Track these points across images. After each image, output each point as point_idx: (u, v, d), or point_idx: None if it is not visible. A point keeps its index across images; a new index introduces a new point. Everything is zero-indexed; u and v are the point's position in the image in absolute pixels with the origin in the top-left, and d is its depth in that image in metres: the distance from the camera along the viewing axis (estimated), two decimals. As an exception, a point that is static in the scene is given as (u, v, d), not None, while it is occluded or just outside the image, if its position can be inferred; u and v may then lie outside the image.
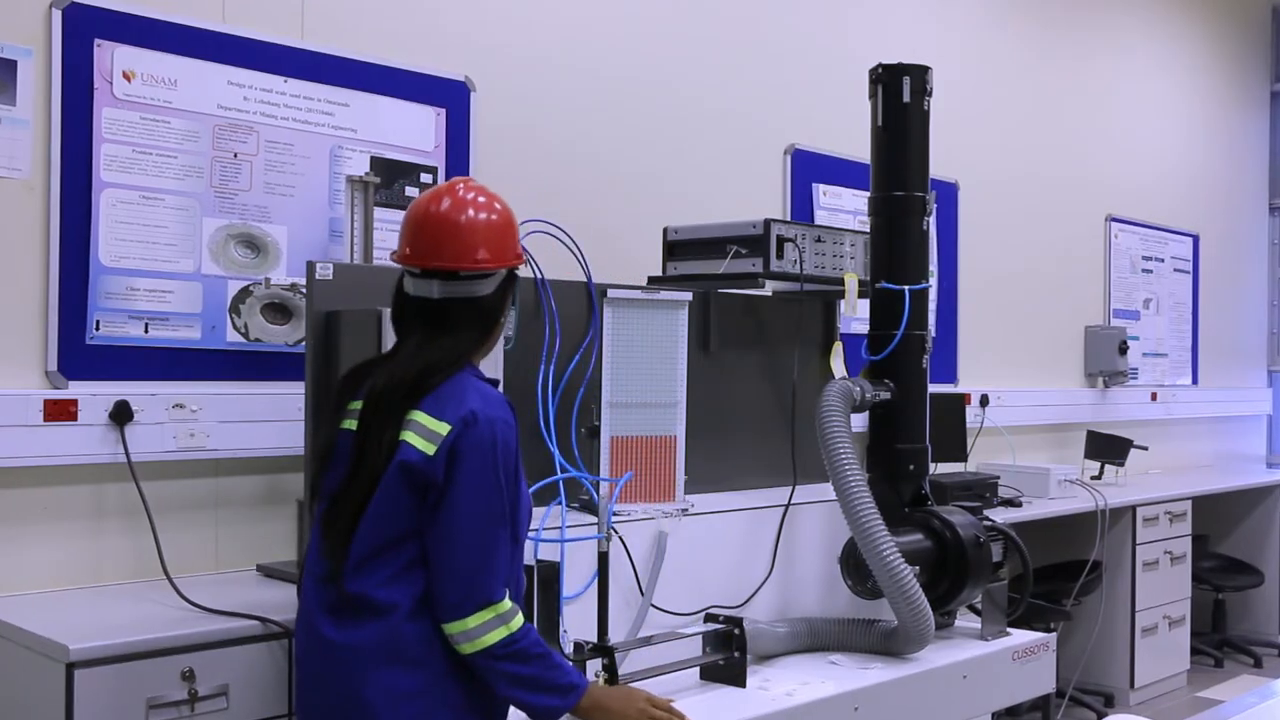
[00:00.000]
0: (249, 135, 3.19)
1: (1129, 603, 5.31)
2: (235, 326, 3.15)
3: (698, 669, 2.80)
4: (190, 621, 2.53)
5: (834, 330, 3.70)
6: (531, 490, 2.33)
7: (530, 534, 2.42)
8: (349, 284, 2.74)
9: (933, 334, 3.52)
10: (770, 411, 3.50)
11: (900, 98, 3.34)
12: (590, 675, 2.39)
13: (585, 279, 3.05)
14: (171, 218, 3.06)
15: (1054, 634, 3.51)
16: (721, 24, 4.45)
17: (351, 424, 2.20)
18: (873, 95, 3.40)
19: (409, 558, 2.14)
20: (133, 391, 2.95)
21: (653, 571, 2.91)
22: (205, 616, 2.56)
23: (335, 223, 3.34)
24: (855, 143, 3.93)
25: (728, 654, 2.78)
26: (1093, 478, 5.72)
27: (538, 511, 2.59)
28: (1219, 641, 6.29)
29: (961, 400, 5.23)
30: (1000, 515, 4.07)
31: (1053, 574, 5.11)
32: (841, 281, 3.48)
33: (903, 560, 2.94)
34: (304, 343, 2.84)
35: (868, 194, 3.41)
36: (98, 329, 2.94)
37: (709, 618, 2.83)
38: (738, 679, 2.77)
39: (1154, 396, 6.68)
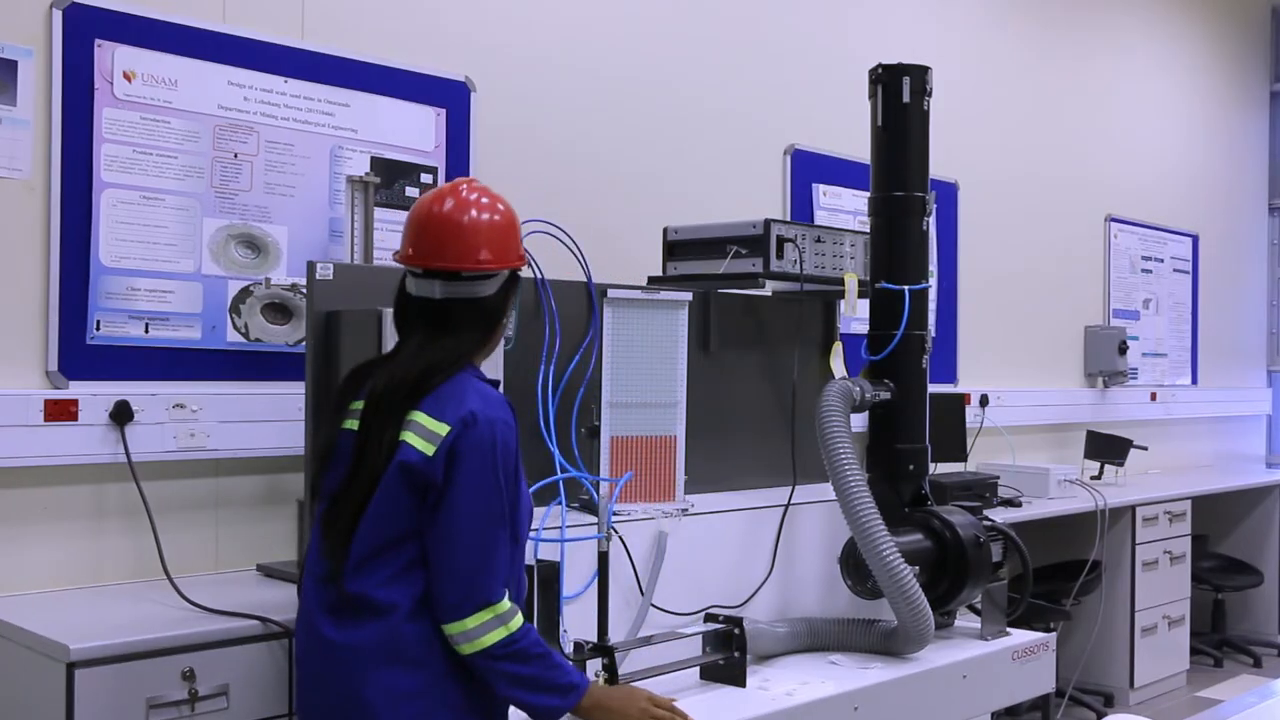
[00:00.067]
0: (249, 135, 3.19)
1: (1128, 603, 5.31)
2: (235, 326, 3.15)
3: (698, 669, 2.80)
4: (190, 621, 2.53)
5: (834, 330, 3.70)
6: (532, 490, 2.33)
7: (530, 534, 2.42)
8: (349, 284, 2.74)
9: (932, 334, 3.52)
10: (770, 411, 3.51)
11: (900, 98, 3.34)
12: (590, 675, 2.39)
13: (585, 279, 3.05)
14: (172, 218, 3.06)
15: (1054, 634, 3.51)
16: (721, 24, 4.45)
17: (353, 424, 2.20)
18: (872, 95, 3.40)
19: (409, 558, 2.14)
20: (133, 391, 2.96)
21: (653, 571, 2.91)
22: (205, 616, 2.57)
23: (335, 223, 3.34)
24: (855, 143, 3.94)
25: (728, 654, 2.79)
26: (1092, 478, 5.73)
27: (538, 511, 2.59)
28: (1218, 641, 6.29)
29: (961, 400, 5.23)
30: (1000, 515, 4.07)
31: (1052, 574, 5.11)
32: (841, 281, 3.49)
33: (902, 560, 2.94)
34: (304, 343, 2.84)
35: (868, 194, 3.42)
36: (98, 329, 2.94)
37: (709, 618, 2.83)
38: (738, 679, 2.77)
39: (1153, 396, 6.69)
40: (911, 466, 3.32)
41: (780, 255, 3.37)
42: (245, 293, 3.17)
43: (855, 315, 3.57)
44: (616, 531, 2.79)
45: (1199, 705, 5.13)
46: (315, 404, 2.66)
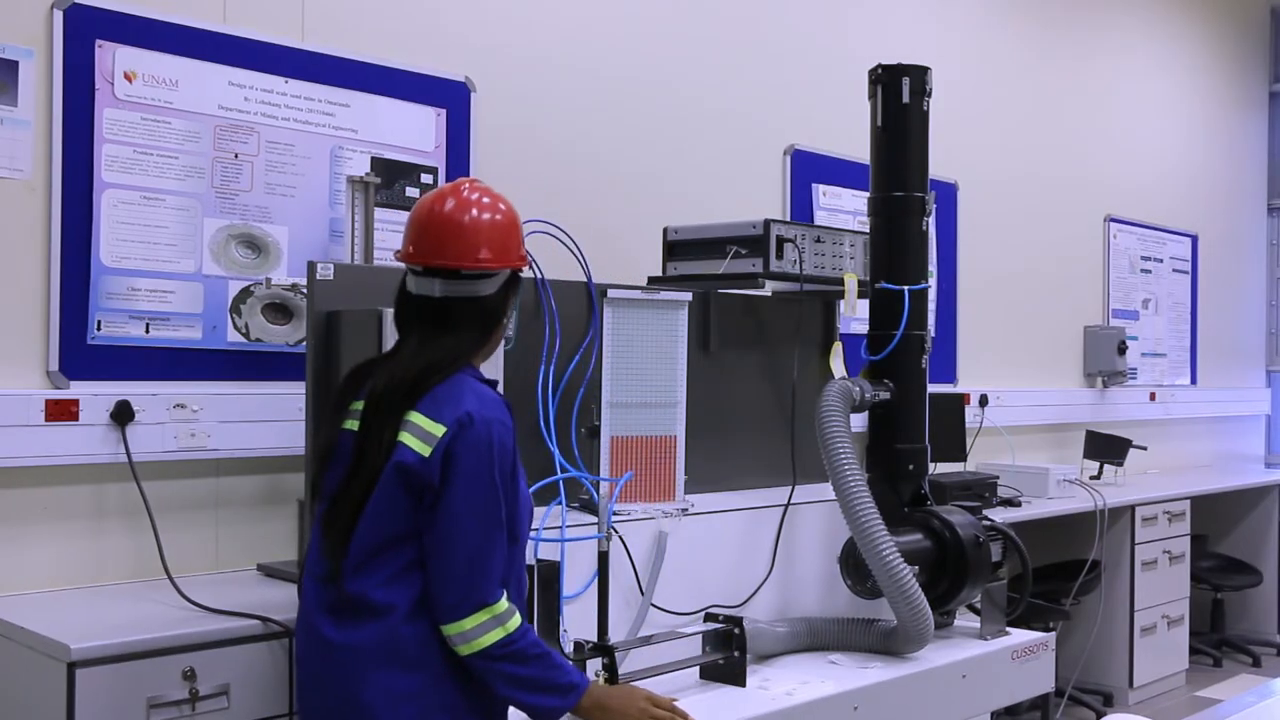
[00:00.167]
0: (250, 136, 3.19)
1: (1128, 602, 5.32)
2: (236, 326, 3.16)
3: (698, 668, 2.80)
4: (191, 621, 2.54)
5: (834, 330, 3.70)
6: (532, 490, 2.34)
7: (530, 534, 2.42)
8: (349, 284, 2.74)
9: (932, 334, 3.52)
10: (770, 411, 3.51)
11: (900, 98, 3.34)
12: (590, 675, 2.39)
13: (585, 279, 3.06)
14: (172, 218, 3.06)
15: (1053, 633, 3.52)
16: (721, 24, 4.46)
17: (353, 424, 2.21)
18: (872, 95, 3.40)
19: (408, 559, 2.14)
20: (134, 391, 2.96)
21: (653, 571, 2.92)
22: (206, 616, 2.57)
23: (336, 223, 3.35)
24: (855, 143, 3.94)
25: (727, 653, 2.79)
26: (1092, 477, 5.73)
27: (538, 511, 2.59)
28: (1218, 641, 6.29)
29: (961, 400, 5.23)
30: (999, 515, 4.08)
31: (1052, 574, 5.12)
32: (841, 281, 3.49)
33: (902, 560, 2.94)
34: (304, 343, 2.84)
35: (867, 194, 3.42)
36: (99, 329, 2.95)
37: (709, 617, 2.83)
38: (737, 678, 2.77)
39: (1153, 396, 6.69)
40: (911, 466, 3.32)
41: (780, 255, 3.38)
42: (246, 293, 3.17)
43: (855, 315, 3.57)
44: (616, 531, 2.79)
45: (1198, 705, 5.13)
46: (315, 404, 2.67)
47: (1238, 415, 7.53)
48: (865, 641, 3.12)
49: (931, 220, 3.42)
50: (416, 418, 2.14)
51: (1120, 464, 5.79)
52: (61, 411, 2.85)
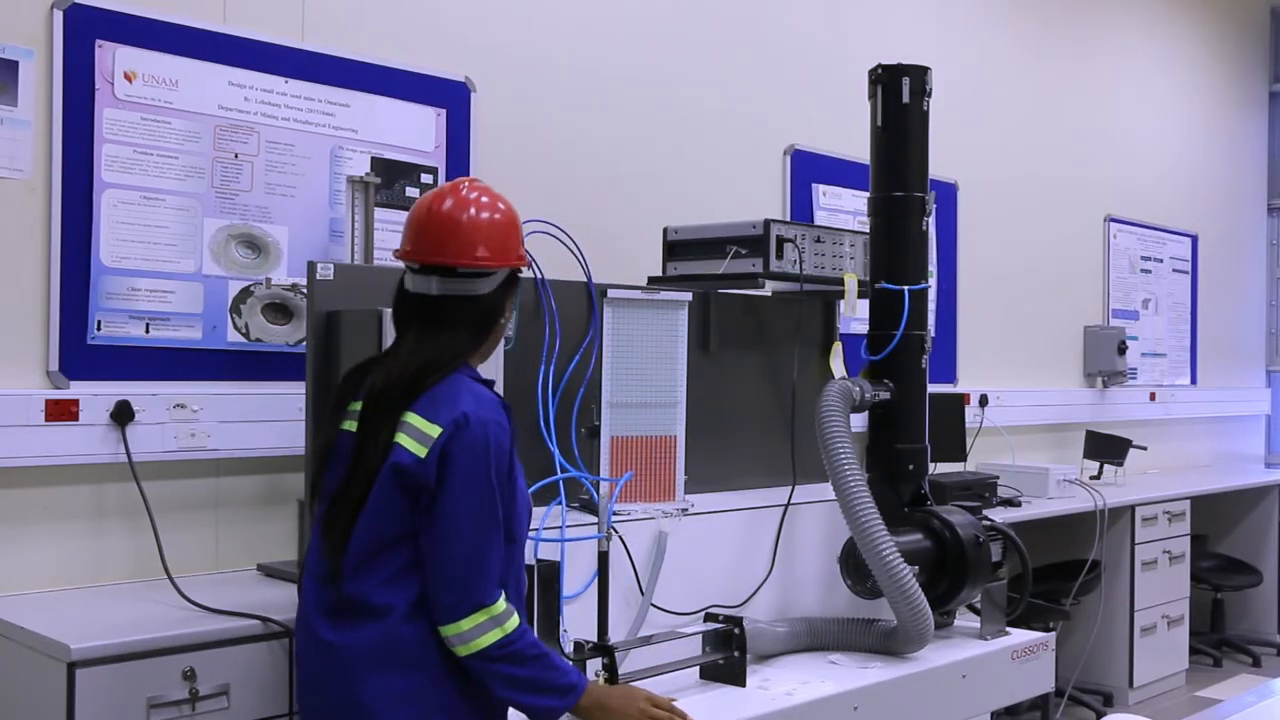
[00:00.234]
0: (250, 136, 3.19)
1: (1128, 602, 5.32)
2: (236, 326, 3.16)
3: (698, 668, 2.80)
4: (191, 621, 2.54)
5: (834, 330, 3.70)
6: (531, 490, 2.34)
7: (530, 534, 2.42)
8: (350, 284, 2.74)
9: (932, 334, 3.52)
10: (770, 411, 3.51)
11: (900, 98, 3.34)
12: (590, 675, 2.39)
13: (585, 279, 3.06)
14: (172, 218, 3.06)
15: (1053, 633, 3.52)
16: (721, 24, 4.46)
17: (351, 425, 2.21)
18: (872, 95, 3.40)
19: (406, 560, 2.14)
20: (134, 391, 2.96)
21: (653, 571, 2.92)
22: (206, 616, 2.57)
23: (336, 223, 3.35)
24: (855, 143, 3.94)
25: (727, 653, 2.79)
26: (1092, 477, 5.73)
27: (538, 511, 2.59)
28: (1218, 641, 6.30)
29: (961, 400, 5.23)
30: (999, 515, 4.08)
31: (1052, 574, 5.12)
32: (841, 281, 3.49)
33: (902, 560, 2.94)
34: (305, 343, 2.84)
35: (867, 194, 3.42)
36: (99, 329, 2.95)
37: (709, 617, 2.83)
38: (737, 678, 2.77)
39: (1153, 396, 6.69)
40: (911, 466, 3.32)
41: (780, 255, 3.38)
42: (246, 293, 3.18)
43: (855, 315, 3.57)
44: (616, 531, 2.79)
45: (1198, 705, 5.13)
46: (315, 404, 2.67)
47: (1238, 415, 7.53)
48: (865, 641, 3.12)
49: (931, 220, 3.42)
50: (413, 418, 2.14)
51: (1120, 464, 5.79)
52: (61, 411, 2.85)
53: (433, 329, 2.22)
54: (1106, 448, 5.81)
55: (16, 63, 2.84)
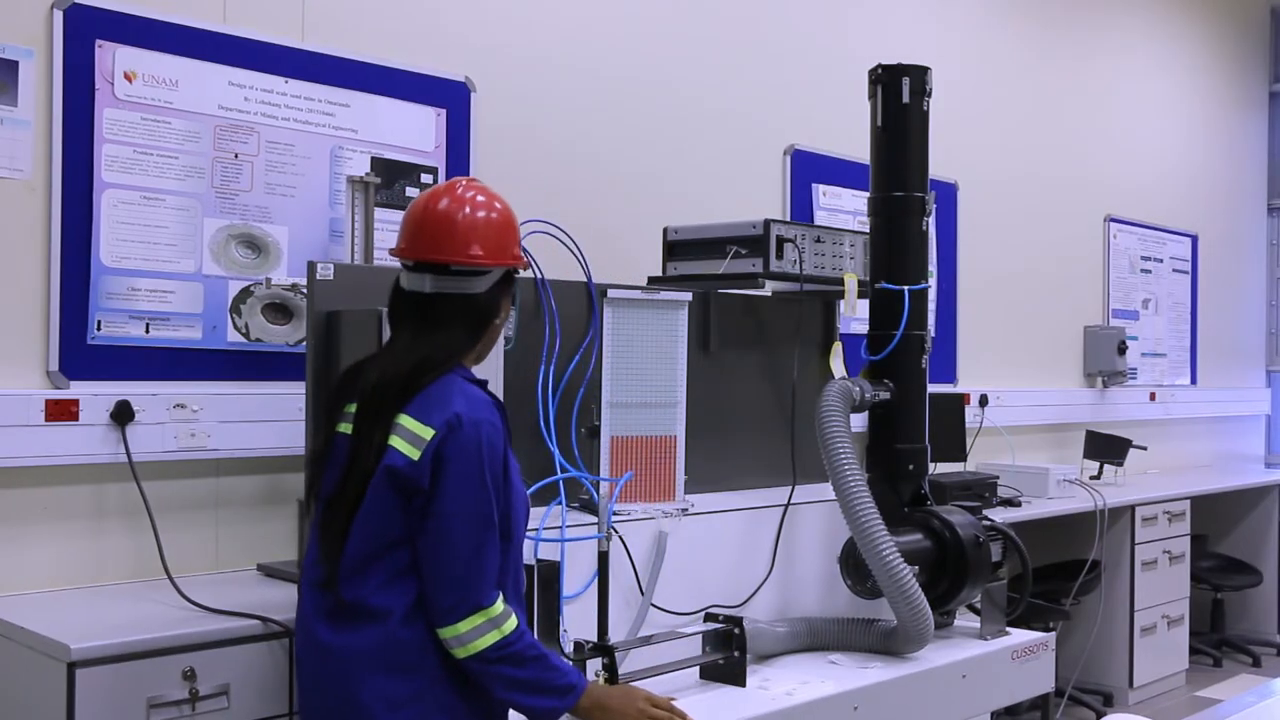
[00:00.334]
0: (250, 136, 3.19)
1: (1128, 602, 5.32)
2: (236, 326, 3.16)
3: (697, 668, 2.80)
4: (191, 621, 2.54)
5: (834, 330, 3.70)
6: (531, 491, 2.34)
7: (530, 534, 2.42)
8: (349, 284, 2.74)
9: (932, 334, 3.52)
10: (770, 411, 3.51)
11: (900, 98, 3.34)
12: (590, 675, 2.39)
13: (585, 279, 3.06)
14: (172, 218, 3.06)
15: (1053, 633, 3.52)
16: (721, 24, 4.46)
17: (346, 427, 2.21)
18: (872, 95, 3.40)
19: (403, 563, 2.14)
20: (134, 391, 2.96)
21: (653, 571, 2.91)
22: (206, 616, 2.57)
23: (336, 223, 3.35)
24: (855, 143, 3.94)
25: (727, 653, 2.79)
26: (1092, 477, 5.73)
27: (537, 511, 2.59)
28: (1218, 641, 6.30)
29: (961, 400, 5.23)
30: (999, 515, 4.08)
31: (1052, 574, 5.12)
32: (841, 281, 3.49)
33: (902, 560, 2.94)
34: (305, 343, 2.84)
35: (867, 194, 3.42)
36: (99, 329, 2.95)
37: (709, 617, 2.83)
38: (737, 678, 2.77)
39: (1153, 396, 6.69)
40: (911, 466, 3.32)
41: (780, 255, 3.38)
42: (246, 293, 3.18)
43: (855, 315, 3.57)
44: (616, 531, 2.79)
45: (1198, 705, 5.13)
46: (315, 404, 2.66)
47: (1238, 415, 7.53)
48: (865, 641, 3.12)
49: (931, 220, 3.42)
50: (406, 420, 2.14)
51: (1120, 464, 5.79)
52: (61, 411, 2.85)
53: (427, 327, 2.22)
54: (1106, 448, 5.81)
55: (16, 63, 2.84)
